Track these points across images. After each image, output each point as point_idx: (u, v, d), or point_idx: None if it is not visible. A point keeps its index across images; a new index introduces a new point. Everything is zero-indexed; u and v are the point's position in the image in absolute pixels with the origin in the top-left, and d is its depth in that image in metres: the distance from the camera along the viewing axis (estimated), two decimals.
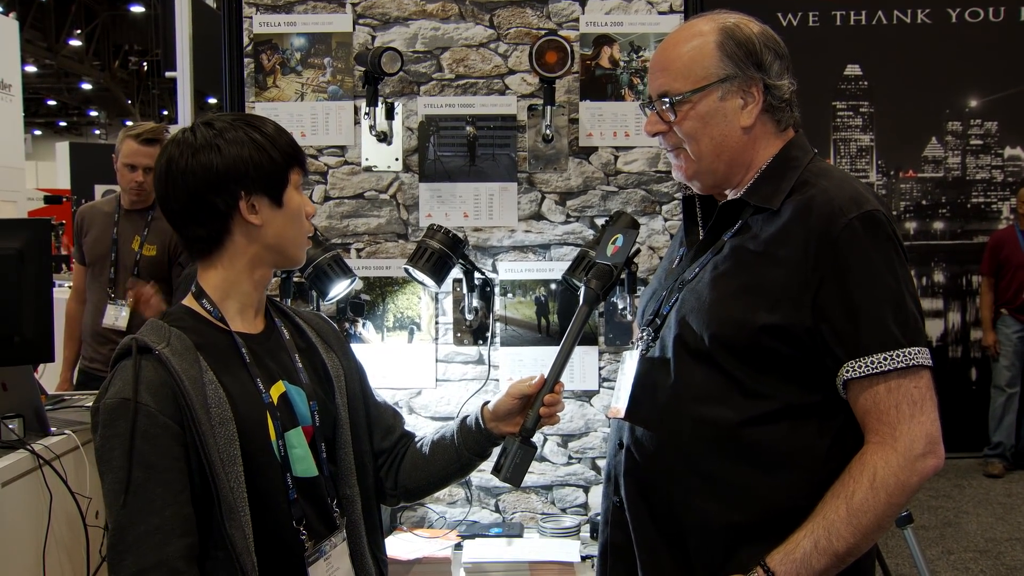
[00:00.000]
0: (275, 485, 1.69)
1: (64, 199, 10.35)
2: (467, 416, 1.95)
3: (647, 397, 1.80)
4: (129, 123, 16.62)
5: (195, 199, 1.70)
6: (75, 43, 19.66)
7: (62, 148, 15.95)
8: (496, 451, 1.85)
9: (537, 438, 3.07)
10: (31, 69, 20.12)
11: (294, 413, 1.76)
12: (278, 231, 1.74)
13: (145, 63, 20.27)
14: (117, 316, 3.95)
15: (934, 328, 7.07)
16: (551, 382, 1.84)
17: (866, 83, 7.06)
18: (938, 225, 7.08)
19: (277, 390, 1.75)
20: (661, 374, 1.78)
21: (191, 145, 1.70)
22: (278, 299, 2.93)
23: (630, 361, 1.87)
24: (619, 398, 1.86)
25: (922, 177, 7.08)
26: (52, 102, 24.10)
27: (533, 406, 1.83)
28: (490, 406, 1.92)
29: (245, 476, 1.64)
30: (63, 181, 14.74)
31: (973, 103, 7.05)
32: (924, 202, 7.07)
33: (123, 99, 22.18)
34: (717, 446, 1.70)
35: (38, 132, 24.67)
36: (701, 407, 1.71)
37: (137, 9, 18.32)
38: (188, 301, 1.77)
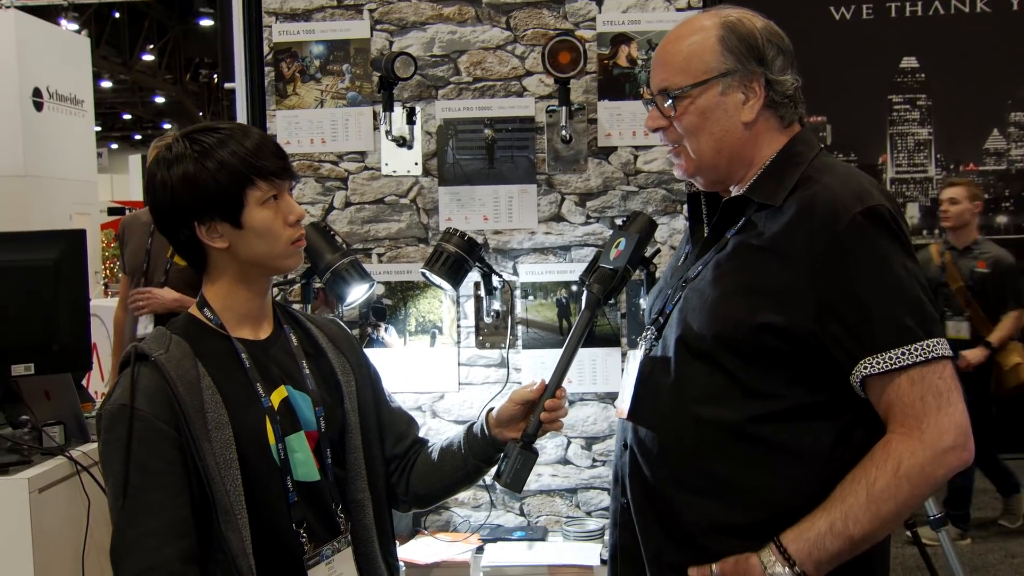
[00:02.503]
0: (274, 488, 1.71)
1: (128, 211, 10.62)
2: (473, 423, 1.95)
3: (649, 397, 1.78)
4: None
5: (162, 226, 1.76)
6: (148, 58, 20.13)
7: (135, 161, 16.42)
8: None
9: (561, 440, 3.10)
10: (107, 84, 20.66)
11: (297, 418, 1.77)
12: (248, 250, 1.73)
13: (215, 75, 20.66)
14: (146, 326, 4.03)
15: None
16: (552, 388, 1.84)
17: (923, 75, 6.88)
18: (1001, 219, 6.87)
19: (279, 395, 1.76)
20: (663, 374, 1.76)
21: (152, 170, 1.74)
22: (298, 304, 2.98)
23: (634, 360, 1.85)
24: (623, 398, 1.85)
25: (984, 170, 6.88)
26: (127, 116, 24.73)
27: (535, 412, 1.82)
28: (494, 412, 1.91)
29: (243, 479, 1.66)
30: (136, 193, 15.17)
31: None
32: (986, 196, 6.84)
33: (194, 111, 22.64)
34: (720, 447, 1.68)
35: (115, 146, 25.33)
36: (703, 407, 1.69)
37: (207, 23, 18.68)
38: (192, 310, 1.80)
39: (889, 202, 1.67)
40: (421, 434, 2.03)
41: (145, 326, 4.04)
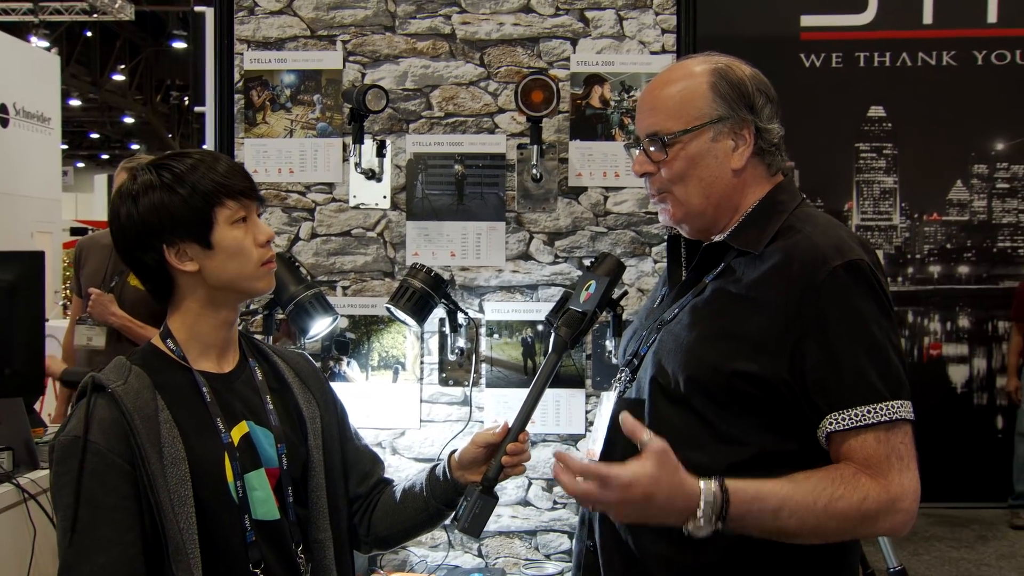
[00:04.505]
0: (231, 527, 1.66)
1: (91, 231, 10.49)
2: (436, 465, 1.91)
3: (622, 439, 1.75)
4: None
5: (127, 256, 1.72)
6: (119, 78, 20.01)
7: (100, 180, 16.27)
8: None
9: (521, 482, 3.06)
10: (75, 103, 20.51)
11: (257, 454, 1.72)
12: (219, 271, 1.70)
13: (186, 97, 20.59)
14: (90, 336, 3.95)
15: (959, 374, 6.91)
16: (515, 431, 1.80)
17: (890, 125, 6.96)
18: (963, 269, 6.94)
19: (239, 431, 1.71)
20: (636, 416, 1.74)
21: (115, 202, 1.71)
22: (260, 336, 2.93)
23: (607, 402, 1.83)
24: (595, 439, 1.82)
25: (947, 220, 6.95)
26: (95, 135, 24.53)
27: (496, 456, 1.79)
28: (456, 455, 1.88)
29: (198, 517, 1.61)
30: (101, 212, 15.01)
31: (999, 146, 6.93)
32: (949, 246, 6.94)
33: (163, 133, 22.49)
34: None
35: (81, 164, 25.10)
36: (677, 451, 1.66)
37: (179, 45, 18.63)
38: (155, 340, 1.76)
39: (869, 256, 1.67)
40: None
41: (89, 339, 3.96)
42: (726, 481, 1.52)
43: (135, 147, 24.83)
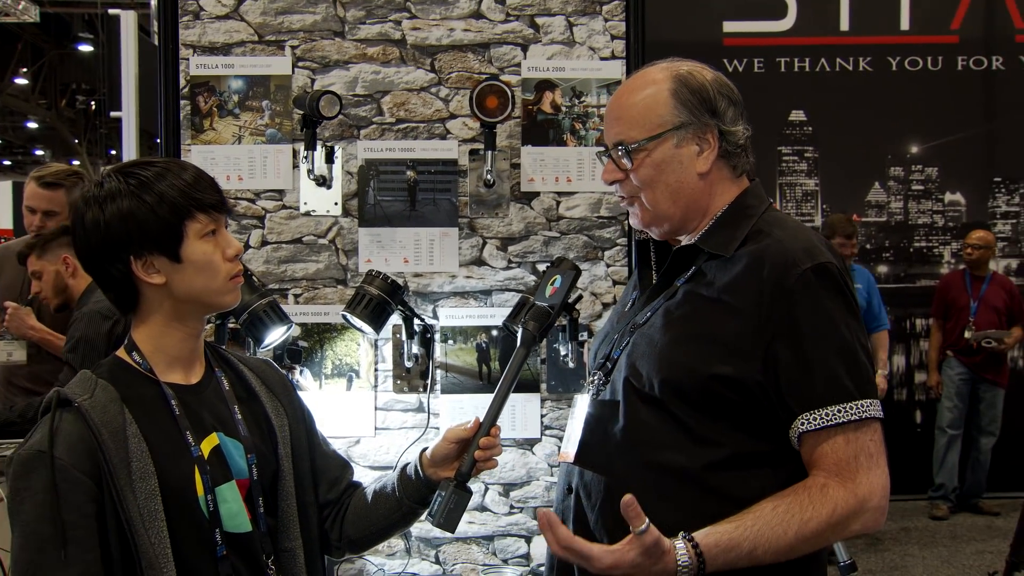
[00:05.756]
0: (201, 542, 1.64)
1: (2, 239, 10.16)
2: (407, 464, 1.91)
3: (597, 441, 1.78)
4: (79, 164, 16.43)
5: (91, 266, 1.69)
6: (21, 81, 19.38)
7: (4, 188, 15.69)
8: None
9: (478, 487, 3.05)
10: None
11: (228, 466, 1.70)
12: (186, 285, 1.68)
13: (92, 102, 20.01)
14: (9, 352, 3.82)
15: None
16: (487, 426, 1.81)
17: (810, 129, 7.15)
18: (882, 269, 7.16)
19: (209, 443, 1.69)
20: (612, 418, 1.77)
21: (80, 209, 1.66)
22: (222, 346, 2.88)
23: (581, 404, 1.85)
24: (569, 442, 1.83)
25: (866, 221, 7.16)
26: None
27: (469, 450, 1.79)
28: (428, 452, 1.88)
29: (169, 532, 1.58)
30: (5, 221, 14.50)
31: (914, 149, 7.16)
32: (868, 246, 7.15)
33: (69, 138, 21.84)
34: (667, 492, 1.68)
35: None
36: (652, 452, 1.70)
37: (85, 48, 18.12)
38: (120, 353, 1.72)
39: (837, 259, 1.71)
40: None
41: (9, 354, 3.83)
42: (700, 543, 1.56)
43: (39, 152, 24.08)
